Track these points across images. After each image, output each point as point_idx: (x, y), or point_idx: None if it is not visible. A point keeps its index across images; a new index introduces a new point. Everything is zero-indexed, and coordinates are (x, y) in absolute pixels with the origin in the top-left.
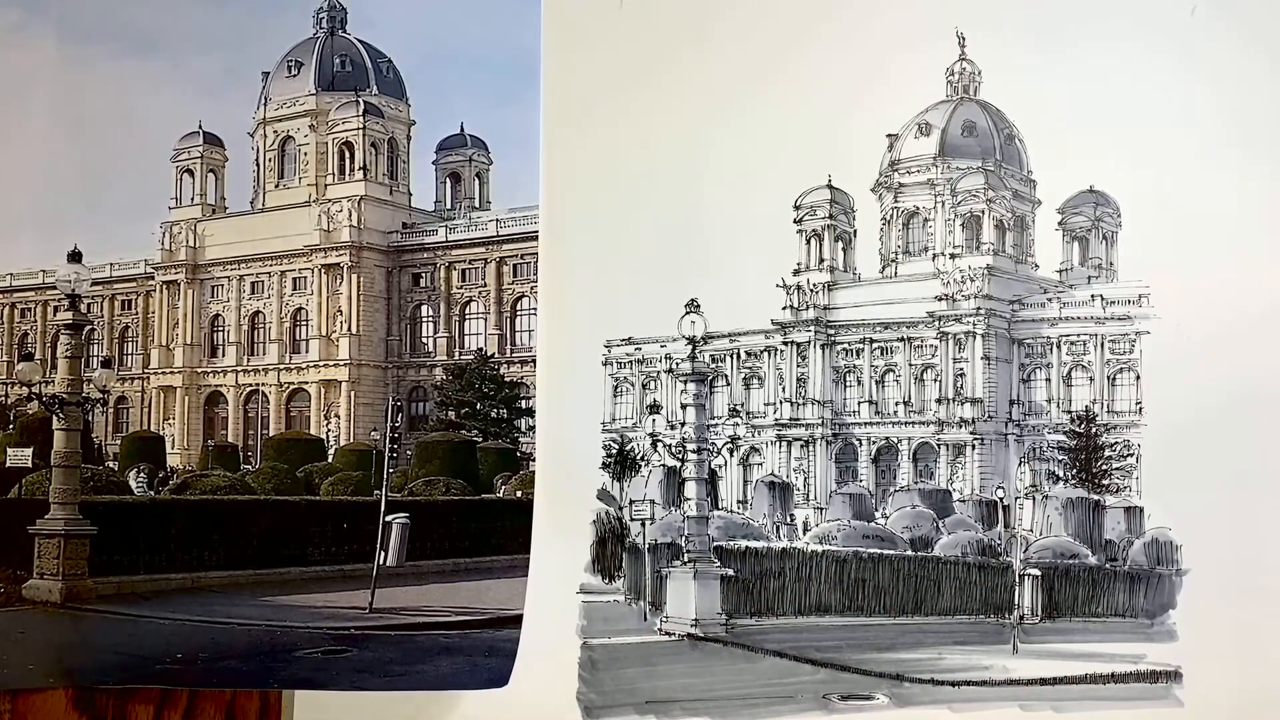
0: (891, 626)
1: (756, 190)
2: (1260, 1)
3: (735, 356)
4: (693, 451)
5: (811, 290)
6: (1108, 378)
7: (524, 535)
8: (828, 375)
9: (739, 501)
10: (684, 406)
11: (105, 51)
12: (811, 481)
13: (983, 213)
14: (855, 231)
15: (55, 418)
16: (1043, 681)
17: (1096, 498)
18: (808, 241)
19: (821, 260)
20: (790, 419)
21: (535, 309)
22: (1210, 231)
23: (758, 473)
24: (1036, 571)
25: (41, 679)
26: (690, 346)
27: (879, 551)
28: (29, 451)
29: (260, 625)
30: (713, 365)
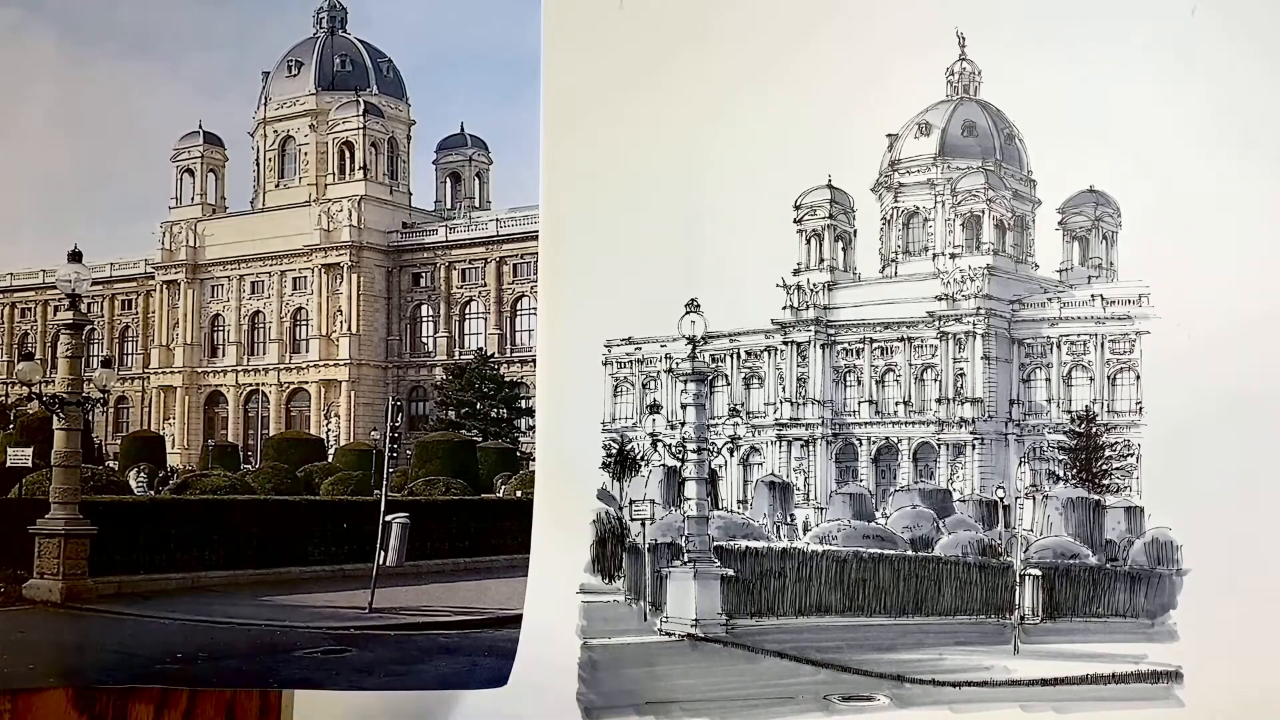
0: (892, 627)
1: (757, 190)
2: (1260, 2)
3: (735, 356)
4: (693, 451)
5: (811, 290)
6: (1108, 378)
7: (524, 535)
8: (828, 375)
9: (739, 501)
10: (684, 406)
11: (105, 51)
12: (811, 481)
13: (983, 212)
14: (855, 231)
15: (55, 417)
16: (1044, 682)
17: (1097, 498)
18: (808, 241)
19: (821, 260)
20: (790, 419)
21: (535, 309)
22: (1210, 231)
23: (758, 473)
24: (1037, 571)
25: (41, 679)
26: (690, 346)
27: (879, 551)
28: (29, 451)
29: (260, 625)
30: (713, 365)
